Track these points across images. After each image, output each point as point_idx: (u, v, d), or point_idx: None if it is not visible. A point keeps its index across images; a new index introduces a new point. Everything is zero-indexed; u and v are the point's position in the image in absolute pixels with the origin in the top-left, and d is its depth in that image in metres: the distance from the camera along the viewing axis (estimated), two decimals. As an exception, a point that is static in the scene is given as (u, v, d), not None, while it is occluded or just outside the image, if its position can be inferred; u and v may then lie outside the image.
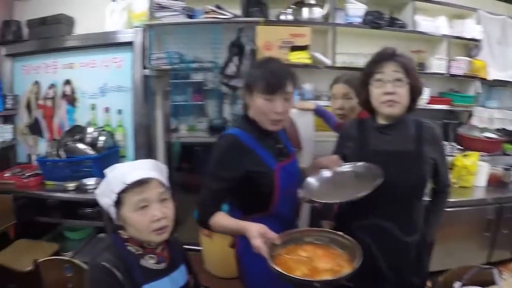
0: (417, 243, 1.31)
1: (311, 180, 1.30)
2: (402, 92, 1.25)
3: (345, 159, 1.36)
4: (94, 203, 2.46)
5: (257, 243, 1.01)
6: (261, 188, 1.22)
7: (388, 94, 1.24)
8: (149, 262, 1.04)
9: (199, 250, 2.66)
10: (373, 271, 1.27)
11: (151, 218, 0.99)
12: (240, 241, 1.29)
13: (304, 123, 2.27)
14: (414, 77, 1.26)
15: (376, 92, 1.27)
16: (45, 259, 1.63)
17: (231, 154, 1.21)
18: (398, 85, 1.24)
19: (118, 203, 1.01)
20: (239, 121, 1.34)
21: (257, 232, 1.04)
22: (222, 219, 1.20)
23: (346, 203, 1.23)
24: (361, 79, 1.34)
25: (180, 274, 1.11)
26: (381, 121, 1.33)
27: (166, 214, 1.02)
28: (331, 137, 2.27)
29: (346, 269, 0.98)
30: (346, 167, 1.30)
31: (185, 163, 3.53)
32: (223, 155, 1.22)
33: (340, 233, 1.10)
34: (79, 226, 2.84)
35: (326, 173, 1.31)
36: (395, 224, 1.27)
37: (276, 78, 1.17)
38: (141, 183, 1.01)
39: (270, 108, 1.18)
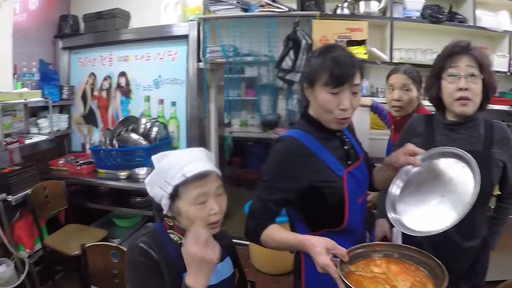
0: (475, 249, 1.22)
1: (392, 191, 1.10)
2: (476, 89, 1.15)
3: None
4: (144, 193, 2.62)
5: (325, 260, 0.86)
6: (327, 199, 1.06)
7: (462, 90, 1.15)
8: None
9: (246, 245, 2.67)
10: None
11: (210, 212, 0.94)
12: (307, 261, 1.11)
13: (360, 120, 2.21)
14: (488, 73, 1.16)
15: (449, 88, 1.18)
16: (92, 244, 1.66)
17: (291, 161, 1.05)
18: (472, 81, 1.15)
19: (173, 195, 0.95)
20: (299, 121, 1.17)
21: (324, 248, 0.89)
22: (276, 232, 1.04)
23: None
24: (432, 73, 1.26)
25: (225, 267, 1.05)
26: (450, 118, 1.24)
27: (221, 208, 0.98)
28: (384, 135, 2.23)
29: (430, 286, 0.85)
30: (422, 160, 1.08)
31: (236, 158, 3.59)
32: (281, 162, 1.06)
33: (412, 247, 0.96)
34: (128, 214, 2.92)
35: (402, 177, 1.10)
36: (455, 227, 1.13)
37: (343, 67, 0.98)
38: (201, 177, 0.93)
39: (336, 103, 1.01)
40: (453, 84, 1.16)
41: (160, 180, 0.95)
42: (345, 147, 1.13)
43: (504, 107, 2.79)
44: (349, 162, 1.11)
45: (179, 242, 0.98)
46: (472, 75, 1.14)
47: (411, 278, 0.88)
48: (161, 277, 0.92)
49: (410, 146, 1.07)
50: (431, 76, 1.25)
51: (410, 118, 1.63)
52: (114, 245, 1.62)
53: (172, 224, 1.00)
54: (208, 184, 0.94)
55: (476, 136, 1.20)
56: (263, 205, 1.07)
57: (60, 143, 3.23)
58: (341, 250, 0.88)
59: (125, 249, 1.52)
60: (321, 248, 0.89)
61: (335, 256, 0.88)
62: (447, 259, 1.07)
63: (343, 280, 0.81)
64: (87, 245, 1.63)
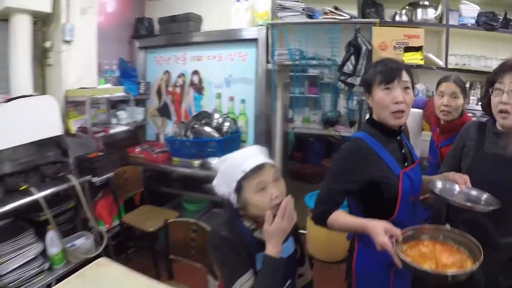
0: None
1: (437, 183, 1.32)
2: None
3: (462, 154, 1.49)
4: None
5: (383, 239, 1.02)
6: (384, 194, 1.23)
7: (503, 103, 1.27)
8: (262, 234, 1.13)
9: (303, 233, 2.94)
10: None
11: (271, 196, 1.11)
12: (359, 247, 1.34)
13: (413, 122, 2.39)
14: None
15: (494, 100, 1.32)
16: (174, 219, 1.89)
17: (356, 158, 1.24)
18: None
19: (238, 189, 1.12)
20: (364, 125, 1.37)
21: (382, 229, 1.04)
22: (341, 216, 1.22)
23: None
24: (485, 85, 1.44)
25: (289, 244, 1.21)
26: (499, 127, 1.38)
27: (280, 191, 1.14)
28: (427, 136, 2.40)
29: (469, 264, 1.01)
30: (471, 189, 1.27)
31: (297, 153, 3.76)
32: (348, 158, 1.26)
33: (455, 230, 1.13)
34: (197, 199, 3.27)
35: (451, 186, 1.29)
36: (494, 223, 1.28)
37: (391, 67, 1.22)
38: (257, 169, 1.12)
39: (390, 98, 1.20)
40: (497, 97, 1.31)
41: (225, 179, 1.15)
42: (403, 151, 1.31)
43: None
44: (406, 164, 1.29)
45: (251, 228, 1.16)
46: None
47: (453, 256, 1.06)
48: (240, 255, 1.11)
49: (465, 177, 1.27)
50: (484, 87, 1.42)
51: (455, 122, 1.90)
52: (193, 221, 1.81)
53: (243, 213, 1.17)
54: (264, 173, 1.12)
55: None
56: (329, 194, 1.26)
57: (136, 133, 3.60)
58: (397, 231, 1.05)
59: (202, 224, 1.77)
60: (380, 229, 1.05)
61: (391, 237, 1.05)
62: (486, 254, 1.15)
63: (398, 256, 0.99)
64: (169, 220, 1.86)
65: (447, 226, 1.18)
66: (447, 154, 1.63)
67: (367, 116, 1.44)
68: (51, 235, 2.22)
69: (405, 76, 1.23)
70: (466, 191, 1.25)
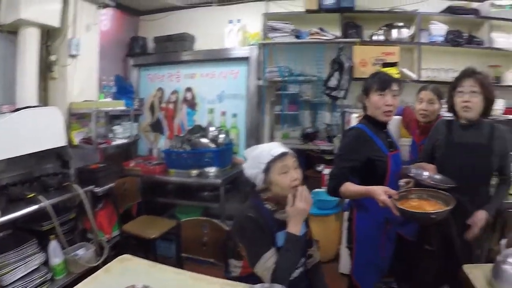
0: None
1: (412, 168, 1.70)
2: (476, 101, 1.64)
3: (435, 148, 1.82)
4: (212, 188, 3.08)
5: (384, 197, 1.37)
6: (377, 169, 1.60)
7: (465, 102, 1.66)
8: (282, 215, 1.34)
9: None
10: (446, 236, 1.70)
11: (291, 178, 1.33)
12: (358, 214, 1.70)
13: (393, 127, 2.64)
14: (487, 90, 1.63)
15: (457, 101, 1.70)
16: (187, 219, 1.96)
17: (358, 142, 1.61)
18: (473, 96, 1.64)
19: (266, 170, 1.33)
20: (362, 120, 1.75)
21: (382, 190, 1.40)
22: (350, 186, 1.56)
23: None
24: (449, 90, 1.79)
25: (303, 225, 1.36)
26: (463, 121, 1.73)
27: (299, 176, 1.36)
28: (407, 142, 2.64)
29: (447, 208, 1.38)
30: (435, 175, 1.66)
31: None
32: (352, 142, 1.64)
33: (435, 189, 1.49)
34: (190, 209, 3.31)
35: (422, 172, 1.67)
36: (468, 199, 1.62)
37: (386, 79, 1.63)
38: (282, 155, 1.35)
39: (383, 101, 1.59)
40: (460, 98, 1.69)
41: (255, 163, 1.37)
42: (389, 139, 1.70)
43: (518, 117, 3.20)
44: (391, 149, 1.67)
45: (272, 209, 1.36)
46: (474, 91, 1.64)
47: (434, 206, 1.41)
48: (265, 233, 1.29)
49: (433, 166, 1.69)
50: (449, 93, 1.78)
51: (432, 123, 2.17)
52: (205, 218, 1.92)
53: (266, 197, 1.37)
54: (288, 160, 1.36)
55: (481, 134, 1.69)
56: (339, 170, 1.62)
57: (128, 147, 3.66)
58: (393, 191, 1.41)
59: (214, 221, 1.88)
60: (381, 191, 1.41)
61: (389, 196, 1.39)
62: (464, 224, 1.66)
63: (395, 206, 1.33)
64: (182, 220, 1.95)
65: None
66: (423, 149, 1.98)
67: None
68: (54, 245, 2.25)
69: (395, 86, 1.62)
70: (432, 175, 1.65)
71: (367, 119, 1.70)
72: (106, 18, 3.47)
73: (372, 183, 1.53)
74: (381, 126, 1.69)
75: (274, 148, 1.38)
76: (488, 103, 1.67)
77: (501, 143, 1.69)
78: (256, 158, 1.38)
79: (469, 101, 1.66)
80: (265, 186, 1.36)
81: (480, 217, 1.64)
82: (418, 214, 1.34)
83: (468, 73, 1.70)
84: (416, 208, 1.39)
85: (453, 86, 1.74)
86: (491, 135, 1.69)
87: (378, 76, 1.67)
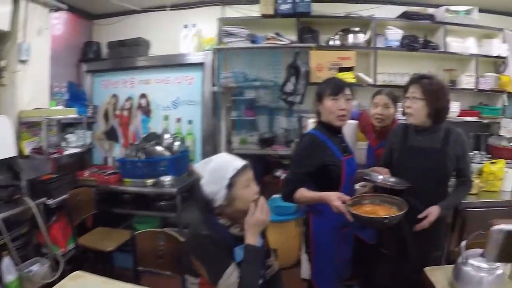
0: (437, 221, 1.62)
1: (368, 173, 1.70)
2: (415, 107, 1.65)
3: (392, 151, 1.82)
4: (168, 197, 2.97)
5: (338, 203, 1.40)
6: (331, 174, 1.61)
7: (407, 107, 1.70)
8: (236, 230, 1.29)
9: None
10: (400, 239, 1.69)
11: (253, 191, 1.29)
12: (314, 218, 1.70)
13: (349, 132, 2.62)
14: (431, 96, 1.63)
15: (404, 106, 1.74)
16: (141, 231, 1.89)
17: (312, 147, 1.62)
18: (413, 102, 1.66)
19: (230, 185, 1.24)
20: (316, 125, 1.75)
21: (336, 196, 1.43)
22: (305, 192, 1.57)
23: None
24: (403, 95, 1.79)
25: (260, 236, 1.32)
26: (416, 126, 1.73)
27: (258, 189, 1.33)
28: (364, 145, 2.63)
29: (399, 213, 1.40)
30: (390, 177, 1.68)
31: None
32: (306, 148, 1.63)
33: (387, 195, 1.51)
34: (148, 219, 3.22)
35: (377, 175, 1.69)
36: (421, 202, 1.62)
37: (338, 84, 1.65)
38: (244, 167, 1.29)
39: (336, 106, 1.60)
40: (404, 103, 1.73)
41: (215, 178, 1.25)
42: (343, 144, 1.71)
43: (474, 119, 3.25)
44: (345, 154, 1.68)
45: (227, 224, 1.29)
46: (414, 97, 1.66)
47: (387, 211, 1.44)
48: (222, 250, 1.23)
49: (386, 170, 1.69)
50: (403, 97, 1.78)
51: (388, 128, 2.18)
52: (160, 230, 1.87)
53: (219, 212, 1.28)
54: (249, 172, 1.31)
55: (436, 138, 1.70)
56: (293, 176, 1.63)
57: (83, 157, 3.51)
58: (346, 197, 1.44)
59: (170, 232, 1.81)
60: (335, 197, 1.43)
61: (343, 202, 1.41)
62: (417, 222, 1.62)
63: (349, 212, 1.35)
64: (136, 232, 1.88)
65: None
66: (383, 153, 1.95)
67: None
68: (7, 262, 2.09)
69: (348, 91, 1.64)
70: (386, 178, 1.66)
71: (321, 125, 1.70)
72: (59, 22, 3.35)
73: (327, 187, 1.54)
74: (335, 131, 1.69)
75: (234, 160, 1.30)
76: (435, 109, 1.66)
77: (457, 146, 1.70)
78: (216, 173, 1.27)
79: (409, 106, 1.68)
80: (226, 203, 1.26)
81: (431, 211, 1.63)
82: (371, 219, 1.37)
83: (413, 80, 1.72)
84: (370, 213, 1.41)
85: (404, 92, 1.76)
86: (446, 139, 1.69)
87: (331, 81, 1.69)
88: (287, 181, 1.65)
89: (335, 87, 1.62)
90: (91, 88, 3.61)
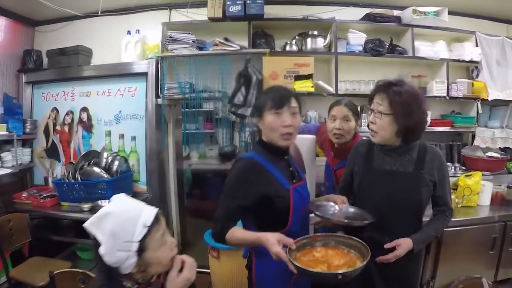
0: (408, 257, 1.35)
1: (318, 203, 1.44)
2: (381, 124, 1.34)
3: (354, 173, 1.52)
4: None
5: (277, 249, 1.10)
6: (277, 206, 1.30)
7: (370, 123, 1.38)
8: None
9: (208, 273, 2.74)
10: (365, 280, 1.37)
11: (171, 247, 1.05)
12: (257, 262, 1.39)
13: (307, 148, 2.37)
14: (401, 110, 1.30)
15: (368, 120, 1.42)
16: (60, 271, 1.72)
17: (248, 175, 1.29)
18: (378, 117, 1.35)
19: (141, 249, 0.96)
20: (254, 146, 1.45)
21: (275, 240, 1.13)
22: (238, 232, 1.27)
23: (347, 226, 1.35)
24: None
25: None
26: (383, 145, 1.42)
27: (173, 241, 1.09)
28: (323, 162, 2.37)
29: (359, 263, 1.10)
30: (349, 208, 1.42)
31: (196, 189, 3.64)
32: (241, 176, 1.31)
33: (345, 235, 1.23)
34: (91, 246, 2.95)
35: (333, 206, 1.43)
36: (389, 238, 1.34)
37: (281, 94, 1.33)
38: (157, 219, 1.02)
39: (280, 122, 1.30)
40: (369, 117, 1.40)
41: (119, 243, 0.94)
42: (291, 169, 1.40)
43: (446, 129, 3.03)
44: (294, 180, 1.38)
45: (135, 287, 1.02)
46: (379, 112, 1.33)
47: (344, 258, 1.16)
48: None
49: (343, 198, 1.43)
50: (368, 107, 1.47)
51: (348, 145, 1.86)
52: (80, 271, 1.69)
53: (124, 274, 1.00)
54: (162, 224, 1.04)
55: (408, 159, 1.39)
56: (226, 211, 1.29)
57: (22, 176, 3.26)
58: (289, 240, 1.14)
59: (91, 274, 1.62)
60: (273, 240, 1.13)
61: (285, 246, 1.12)
62: (385, 266, 1.33)
63: (292, 262, 1.06)
64: (55, 272, 1.70)
65: (339, 233, 1.28)
66: (342, 176, 1.64)
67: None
68: None
69: (294, 103, 1.33)
70: (345, 210, 1.40)
71: (262, 145, 1.38)
72: None
73: (272, 222, 1.29)
74: (279, 152, 1.38)
75: (140, 212, 0.99)
76: (405, 126, 1.33)
77: (434, 169, 1.39)
78: (118, 238, 0.94)
79: (373, 122, 1.37)
80: (137, 270, 0.99)
81: (401, 242, 1.33)
82: (319, 274, 1.07)
83: (379, 87, 1.38)
84: (321, 261, 1.15)
85: (368, 99, 1.44)
86: (420, 160, 1.38)
87: (272, 91, 1.37)
88: (217, 218, 1.31)
89: (278, 99, 1.31)
90: (31, 101, 3.28)
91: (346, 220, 1.30)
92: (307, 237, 1.23)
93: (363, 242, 1.16)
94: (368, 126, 1.49)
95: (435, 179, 1.38)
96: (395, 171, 1.38)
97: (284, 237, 1.15)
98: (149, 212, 1.01)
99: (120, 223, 0.95)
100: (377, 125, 1.36)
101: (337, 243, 1.23)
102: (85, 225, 0.99)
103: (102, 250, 0.94)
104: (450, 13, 2.95)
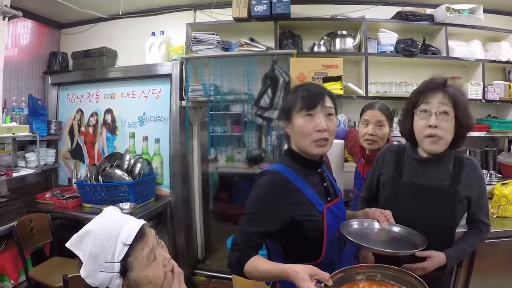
0: (443, 277, 1.25)
1: (354, 223, 1.19)
2: (447, 127, 1.15)
3: (379, 184, 1.35)
4: None
5: (309, 286, 0.87)
6: (306, 233, 1.09)
7: (431, 127, 1.15)
8: None
9: (230, 278, 2.68)
10: None
11: (164, 262, 0.93)
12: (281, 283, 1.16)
13: (335, 154, 2.26)
14: (463, 111, 1.15)
15: (420, 124, 1.18)
16: (74, 274, 1.69)
17: (274, 195, 1.08)
18: (443, 119, 1.14)
19: (124, 270, 0.86)
20: (281, 156, 1.22)
21: (306, 274, 0.89)
22: (260, 263, 1.03)
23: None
24: (406, 107, 1.27)
25: None
26: (422, 153, 1.24)
27: (167, 252, 0.97)
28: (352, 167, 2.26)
29: None
30: (393, 227, 1.18)
31: (222, 193, 3.63)
32: (264, 195, 1.09)
33: (394, 267, 1.00)
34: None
35: (372, 224, 1.19)
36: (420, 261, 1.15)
37: (311, 91, 1.11)
38: (142, 234, 0.89)
39: (312, 126, 1.08)
40: (423, 120, 1.17)
41: (100, 264, 0.85)
42: (325, 184, 1.17)
43: (482, 134, 2.86)
44: (329, 198, 1.15)
45: None
46: (444, 112, 1.14)
47: None
48: None
49: (387, 212, 1.18)
50: (405, 110, 1.27)
51: None
52: None
53: None
54: (149, 237, 0.91)
55: (443, 172, 1.21)
56: (246, 238, 1.07)
57: (47, 177, 3.28)
58: (324, 275, 0.89)
59: None
60: (304, 274, 0.89)
61: (318, 281, 0.89)
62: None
63: None
64: (69, 276, 1.68)
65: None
66: (365, 184, 1.47)
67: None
68: None
69: (328, 102, 1.11)
70: (388, 228, 1.15)
71: (290, 156, 1.16)
72: (25, 32, 3.15)
73: (301, 251, 1.08)
74: (312, 164, 1.16)
75: (121, 228, 0.87)
76: (462, 130, 1.17)
77: (471, 185, 1.22)
78: (99, 257, 0.85)
79: (436, 125, 1.14)
80: None
81: (434, 255, 1.15)
82: None
83: (437, 85, 1.17)
84: None
85: (413, 101, 1.22)
86: (457, 173, 1.22)
87: (303, 88, 1.14)
88: (234, 244, 1.09)
89: (309, 97, 1.09)
90: (56, 102, 3.31)
91: (389, 251, 1.04)
92: (347, 269, 0.99)
93: (419, 278, 0.92)
94: (401, 128, 1.32)
95: (471, 195, 1.23)
96: (429, 186, 1.21)
97: (318, 271, 0.91)
98: (131, 228, 0.87)
99: (99, 243, 0.85)
100: (443, 129, 1.14)
101: (384, 276, 0.99)
102: (67, 245, 0.90)
103: (82, 273, 0.87)
104: (485, 11, 2.78)
